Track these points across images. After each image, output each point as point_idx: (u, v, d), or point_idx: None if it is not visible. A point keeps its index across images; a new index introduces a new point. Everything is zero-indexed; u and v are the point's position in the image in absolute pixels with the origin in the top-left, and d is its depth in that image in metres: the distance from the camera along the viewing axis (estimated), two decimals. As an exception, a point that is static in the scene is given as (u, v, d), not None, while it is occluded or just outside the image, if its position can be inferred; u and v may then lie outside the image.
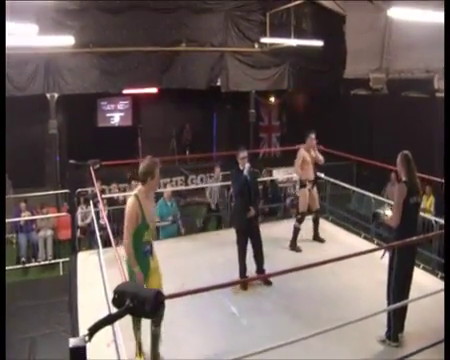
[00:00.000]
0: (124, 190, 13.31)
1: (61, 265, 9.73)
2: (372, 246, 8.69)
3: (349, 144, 13.83)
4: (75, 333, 5.95)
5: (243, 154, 7.06)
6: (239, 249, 7.04)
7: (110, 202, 11.28)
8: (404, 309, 5.45)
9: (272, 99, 19.11)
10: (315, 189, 8.84)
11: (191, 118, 18.23)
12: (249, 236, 7.06)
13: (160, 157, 14.32)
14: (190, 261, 7.71)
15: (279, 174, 14.49)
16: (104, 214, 6.98)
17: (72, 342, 2.31)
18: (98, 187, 11.45)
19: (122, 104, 17.65)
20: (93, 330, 2.44)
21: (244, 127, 16.26)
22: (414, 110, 12.39)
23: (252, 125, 16.31)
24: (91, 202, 7.73)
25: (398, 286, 5.39)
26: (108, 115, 17.54)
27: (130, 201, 4.85)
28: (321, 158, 8.77)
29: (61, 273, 9.52)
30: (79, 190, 10.58)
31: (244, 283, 6.90)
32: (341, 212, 10.64)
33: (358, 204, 11.51)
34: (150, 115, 17.75)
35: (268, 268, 7.01)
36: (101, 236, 10.25)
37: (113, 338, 5.01)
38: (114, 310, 2.78)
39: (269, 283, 6.94)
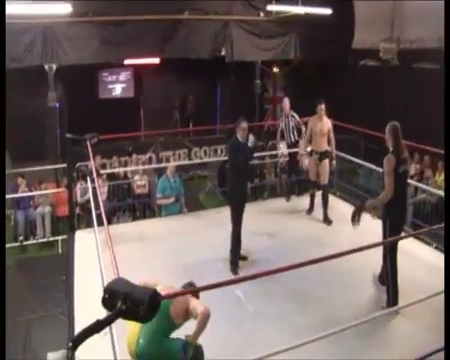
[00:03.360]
0: (125, 163, 12.98)
1: (60, 242, 9.46)
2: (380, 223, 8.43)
3: (357, 117, 13.44)
4: (71, 317, 5.75)
5: (244, 125, 6.75)
6: (235, 225, 6.76)
7: (111, 177, 10.99)
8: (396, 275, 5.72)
9: (278, 70, 18.60)
10: (326, 162, 8.48)
11: (194, 89, 17.77)
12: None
13: (162, 129, 14.48)
14: (192, 240, 7.49)
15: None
16: (99, 192, 6.58)
17: (51, 358, 1.98)
18: (96, 162, 11.20)
19: (123, 75, 17.20)
20: (77, 342, 2.11)
21: (249, 98, 15.83)
22: (426, 82, 11.91)
23: (257, 96, 15.89)
24: (88, 178, 7.35)
25: (392, 252, 5.68)
26: (109, 86, 17.10)
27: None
28: (332, 138, 8.50)
29: (60, 251, 9.25)
30: (78, 165, 10.33)
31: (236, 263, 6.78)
32: (349, 187, 10.29)
33: (366, 179, 11.13)
34: (152, 86, 17.33)
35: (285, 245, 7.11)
36: (99, 214, 10.13)
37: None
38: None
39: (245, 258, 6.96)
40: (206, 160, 14.19)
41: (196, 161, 14.09)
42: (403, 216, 5.86)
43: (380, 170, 9.81)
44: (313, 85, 17.40)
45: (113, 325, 4.88)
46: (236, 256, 6.76)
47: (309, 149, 8.76)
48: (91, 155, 7.03)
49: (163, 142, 15.10)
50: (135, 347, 3.78)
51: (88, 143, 7.25)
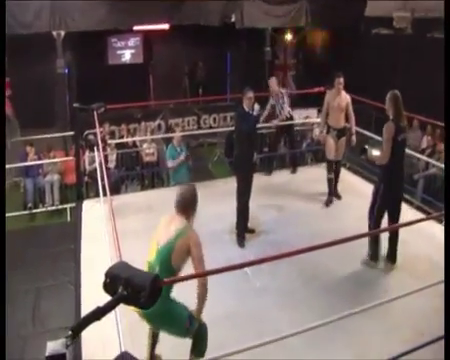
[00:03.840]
0: (134, 131, 12.93)
1: (68, 210, 9.46)
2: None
3: (368, 86, 13.24)
4: (77, 289, 5.79)
5: (250, 94, 6.62)
6: (241, 196, 6.67)
7: (119, 145, 10.98)
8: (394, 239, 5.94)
9: (288, 36, 18.30)
10: (343, 140, 8.03)
11: (204, 55, 17.53)
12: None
13: (172, 96, 14.36)
14: (199, 210, 7.33)
15: (295, 116, 13.93)
16: (104, 162, 6.52)
17: (50, 348, 1.96)
18: (105, 130, 11.17)
19: (133, 41, 17.01)
20: (77, 330, 2.09)
21: (259, 65, 15.65)
22: (440, 52, 11.63)
23: (267, 64, 15.69)
24: (95, 148, 7.32)
25: (379, 215, 5.88)
26: (118, 52, 16.92)
27: (197, 235, 3.96)
28: (351, 113, 8.02)
29: (68, 219, 9.26)
30: (87, 132, 10.30)
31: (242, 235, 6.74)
32: (358, 159, 10.15)
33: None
34: (162, 52, 17.12)
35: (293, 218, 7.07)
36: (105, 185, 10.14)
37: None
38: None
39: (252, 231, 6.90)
40: (214, 130, 14.04)
41: (203, 131, 13.97)
42: (399, 183, 5.94)
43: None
44: (324, 52, 17.20)
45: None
46: (242, 229, 6.70)
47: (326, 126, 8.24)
48: (98, 125, 6.95)
49: (172, 109, 15.04)
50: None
51: (95, 113, 7.15)
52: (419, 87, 12.30)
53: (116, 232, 4.06)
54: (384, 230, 6.23)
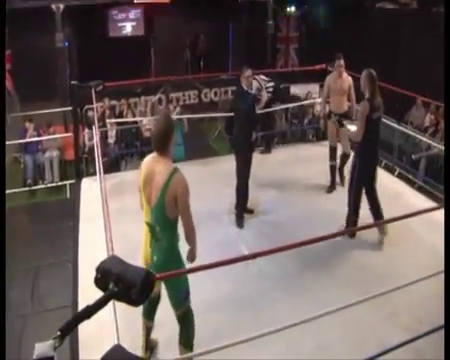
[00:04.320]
0: (134, 105, 12.80)
1: (68, 187, 9.43)
2: (391, 178, 8.30)
3: (372, 62, 13.05)
4: (75, 267, 5.80)
5: (248, 73, 6.49)
6: (240, 177, 6.57)
7: (118, 118, 10.91)
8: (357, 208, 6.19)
9: (291, 9, 18.05)
10: (345, 127, 7.37)
11: (206, 28, 17.33)
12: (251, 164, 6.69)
13: (173, 69, 14.19)
14: (197, 189, 7.23)
15: (297, 90, 13.78)
16: (98, 141, 6.46)
17: (38, 350, 1.93)
18: (105, 105, 11.07)
19: (133, 13, 16.87)
20: (66, 331, 2.05)
21: (261, 39, 15.46)
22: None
23: (270, 37, 15.49)
24: (94, 127, 7.24)
25: (357, 187, 6.10)
26: (119, 25, 16.80)
27: (183, 175, 3.77)
28: (352, 95, 7.57)
29: (68, 196, 9.24)
30: (86, 107, 10.22)
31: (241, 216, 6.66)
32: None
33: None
34: (163, 24, 16.93)
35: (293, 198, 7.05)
36: (105, 162, 10.07)
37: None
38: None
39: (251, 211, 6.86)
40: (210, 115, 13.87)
41: (200, 116, 13.81)
42: (374, 159, 6.18)
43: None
44: (327, 26, 16.95)
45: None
46: (241, 210, 6.64)
47: (327, 110, 7.95)
48: (95, 104, 6.88)
49: (173, 83, 14.89)
50: (150, 262, 3.83)
51: (93, 91, 7.07)
52: (424, 63, 12.14)
53: (108, 215, 4.00)
54: (386, 222, 6.15)
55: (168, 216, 3.70)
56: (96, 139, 6.48)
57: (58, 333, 2.04)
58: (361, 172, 6.08)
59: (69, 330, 2.08)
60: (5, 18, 5.96)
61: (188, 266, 3.87)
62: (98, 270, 2.46)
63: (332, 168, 7.76)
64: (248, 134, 6.53)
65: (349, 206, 6.27)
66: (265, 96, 8.76)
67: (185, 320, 3.94)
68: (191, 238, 3.87)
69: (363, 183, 6.13)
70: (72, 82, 7.53)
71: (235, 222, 6.61)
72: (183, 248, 3.94)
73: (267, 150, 9.14)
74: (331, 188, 7.73)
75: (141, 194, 3.89)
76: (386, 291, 3.79)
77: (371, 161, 6.12)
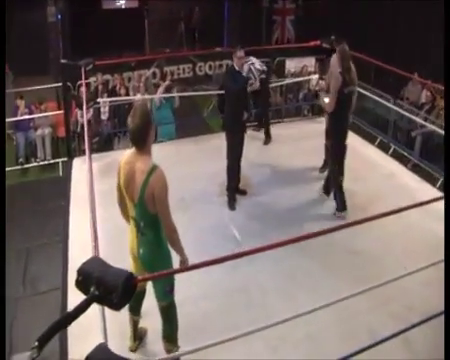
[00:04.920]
0: (128, 80, 12.65)
1: (60, 165, 9.35)
2: (385, 157, 8.23)
3: (369, 34, 12.91)
4: (65, 250, 5.70)
5: (240, 54, 6.36)
6: (230, 158, 6.50)
7: (112, 95, 10.77)
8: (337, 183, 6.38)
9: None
10: (321, 99, 7.26)
11: (200, 0, 17.11)
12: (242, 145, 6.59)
13: (167, 41, 13.97)
14: (190, 169, 7.19)
15: (293, 64, 13.61)
16: (86, 121, 6.35)
17: (15, 362, 1.89)
18: (98, 81, 10.91)
19: (128, -16, 16.61)
20: (44, 341, 2.00)
21: (257, 11, 15.23)
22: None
23: (265, 10, 15.26)
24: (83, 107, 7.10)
25: (336, 167, 6.33)
26: (113, -4, 16.56)
27: (162, 172, 3.55)
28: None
29: (61, 174, 9.16)
30: (79, 83, 10.05)
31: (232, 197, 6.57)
32: (356, 113, 9.91)
33: (374, 103, 10.73)
34: (157, -5, 16.71)
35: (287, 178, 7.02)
36: (97, 141, 9.98)
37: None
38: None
39: (244, 192, 6.78)
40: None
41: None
42: (346, 130, 6.39)
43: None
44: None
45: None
46: (232, 192, 6.56)
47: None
48: (84, 83, 6.76)
49: (167, 56, 14.75)
50: (137, 256, 3.76)
51: (83, 70, 6.94)
52: (420, 37, 11.99)
53: (93, 200, 3.92)
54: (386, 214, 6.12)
55: (150, 212, 3.58)
56: (85, 119, 6.37)
57: (36, 343, 2.00)
58: (336, 142, 6.37)
59: (47, 340, 2.03)
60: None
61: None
62: (79, 272, 2.41)
63: (327, 148, 7.60)
64: (239, 115, 6.43)
65: (335, 183, 6.45)
66: (257, 85, 8.24)
67: (168, 313, 3.89)
68: (173, 242, 3.71)
69: (339, 155, 6.36)
70: (62, 61, 7.33)
71: (227, 204, 6.54)
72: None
73: (259, 128, 8.88)
74: (324, 168, 7.57)
75: (121, 192, 3.74)
76: (378, 284, 3.73)
77: (344, 133, 6.36)
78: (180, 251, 3.78)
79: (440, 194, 6.91)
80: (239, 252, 3.25)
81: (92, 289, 2.33)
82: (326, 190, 6.75)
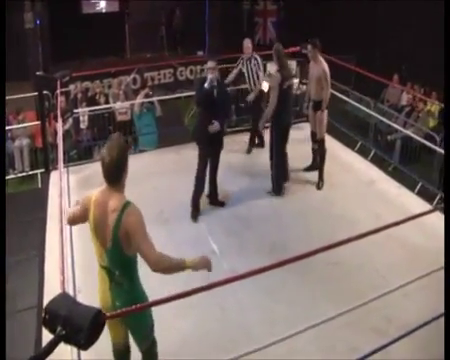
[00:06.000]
0: (109, 86, 12.54)
1: (39, 176, 9.20)
2: (366, 163, 8.23)
3: (348, 38, 12.90)
4: (42, 267, 5.74)
5: (210, 64, 6.32)
6: (197, 168, 6.45)
7: (91, 103, 10.64)
8: (284, 169, 7.05)
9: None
10: (320, 114, 7.33)
11: (182, 2, 16.99)
12: (210, 156, 6.49)
13: (148, 45, 13.84)
14: (169, 180, 7.20)
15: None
16: (61, 137, 6.25)
17: None
18: (77, 89, 10.81)
19: (108, -12, 16.44)
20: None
21: (238, 13, 15.17)
22: (423, 5, 11.28)
23: (246, 12, 15.21)
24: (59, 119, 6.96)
25: (278, 153, 6.88)
26: (93, 0, 16.36)
27: (135, 208, 3.27)
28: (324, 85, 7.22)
29: (39, 185, 9.01)
30: (58, 91, 9.93)
31: (195, 208, 6.52)
32: (336, 116, 9.89)
33: (355, 106, 10.73)
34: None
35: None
36: (77, 152, 9.87)
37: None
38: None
39: (222, 204, 6.76)
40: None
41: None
42: (288, 123, 6.99)
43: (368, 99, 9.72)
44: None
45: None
46: (195, 203, 6.48)
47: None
48: (58, 98, 6.68)
49: (149, 59, 14.68)
50: (113, 307, 3.38)
51: (58, 82, 6.86)
52: (402, 38, 12.01)
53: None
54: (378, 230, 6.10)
55: (126, 254, 3.29)
56: (60, 132, 6.27)
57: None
58: (277, 136, 6.86)
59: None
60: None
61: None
62: (46, 311, 2.36)
63: (313, 150, 7.77)
64: (202, 126, 6.34)
65: (275, 168, 6.95)
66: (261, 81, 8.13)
67: (150, 354, 3.71)
68: (171, 271, 3.28)
69: (285, 146, 6.93)
70: (37, 73, 7.24)
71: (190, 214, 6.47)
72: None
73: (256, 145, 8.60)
74: (311, 168, 7.75)
75: (92, 235, 3.38)
76: (358, 305, 3.71)
77: (285, 125, 6.89)
78: (186, 268, 3.31)
79: (419, 200, 7.02)
80: (224, 279, 3.11)
81: (59, 329, 2.28)
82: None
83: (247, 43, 8.43)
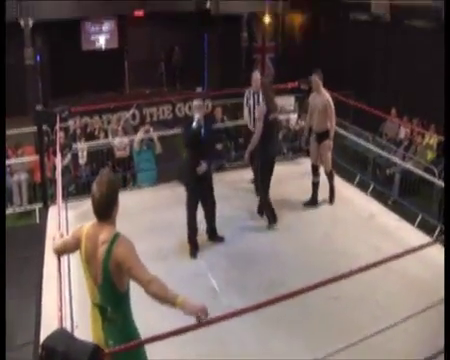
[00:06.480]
0: (108, 122, 12.59)
1: (37, 211, 9.18)
2: (365, 197, 8.21)
3: (346, 73, 13.08)
4: (38, 303, 5.64)
5: (196, 103, 6.21)
6: (187, 209, 6.32)
7: (90, 138, 10.69)
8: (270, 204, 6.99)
9: (267, 19, 18.02)
10: (325, 145, 7.37)
11: (180, 40, 17.27)
12: (199, 195, 6.35)
13: (147, 82, 13.96)
14: (167, 216, 7.06)
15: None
16: (59, 168, 6.23)
17: None
18: (76, 124, 10.87)
19: (107, 25, 16.75)
20: None
21: (236, 50, 15.39)
22: (418, 41, 11.49)
23: (244, 49, 15.41)
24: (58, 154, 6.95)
25: (263, 186, 6.89)
26: (93, 38, 16.65)
27: (125, 239, 3.20)
28: (329, 115, 7.29)
29: (37, 220, 8.98)
30: (57, 127, 9.95)
31: (193, 246, 6.40)
32: (336, 150, 9.89)
33: (353, 141, 10.76)
34: (137, 36, 16.88)
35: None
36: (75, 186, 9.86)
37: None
38: None
39: (221, 239, 6.64)
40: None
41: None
42: (273, 155, 6.97)
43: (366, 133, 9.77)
44: (303, 35, 16.99)
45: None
46: (191, 241, 6.39)
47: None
48: (57, 132, 6.70)
49: (148, 95, 14.80)
50: (106, 346, 3.22)
51: (58, 117, 6.89)
52: (396, 76, 12.18)
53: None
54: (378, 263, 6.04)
55: (119, 291, 3.20)
56: (58, 168, 6.25)
57: None
58: (262, 167, 6.86)
59: None
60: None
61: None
62: (43, 347, 2.32)
63: (314, 185, 7.67)
64: (191, 167, 6.20)
65: (264, 202, 7.02)
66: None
67: None
68: (165, 300, 3.10)
69: (270, 178, 6.87)
70: (36, 108, 7.29)
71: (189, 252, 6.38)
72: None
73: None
74: (311, 202, 7.64)
75: (84, 271, 3.31)
76: (361, 338, 3.64)
77: (270, 157, 6.88)
78: (177, 303, 3.07)
79: (419, 232, 6.99)
80: (223, 314, 3.04)
81: (56, 366, 2.23)
82: (260, 211, 7.20)
83: (256, 76, 7.67)
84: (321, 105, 7.27)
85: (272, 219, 6.96)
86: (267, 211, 7.00)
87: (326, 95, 7.31)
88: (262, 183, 6.94)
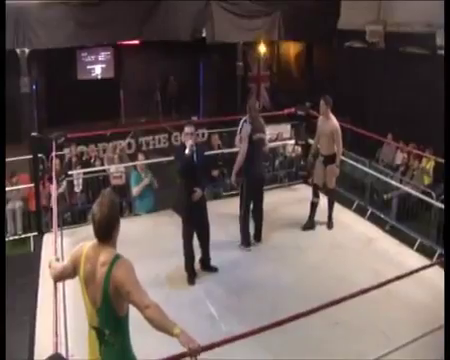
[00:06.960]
0: (104, 151, 12.53)
1: (32, 240, 9.05)
2: (363, 222, 8.15)
3: (341, 100, 13.11)
4: (32, 334, 5.53)
5: (187, 129, 6.14)
6: (183, 237, 6.25)
7: (86, 167, 10.63)
8: (259, 222, 7.21)
9: (261, 49, 18.17)
10: (333, 169, 7.53)
11: (176, 69, 17.32)
12: (195, 223, 6.28)
13: (143, 111, 13.97)
14: (164, 243, 7.02)
15: (268, 131, 13.64)
16: (55, 195, 6.17)
17: None
18: (71, 153, 10.82)
19: (103, 55, 16.81)
20: None
21: (232, 78, 15.41)
22: (412, 67, 11.58)
23: (240, 78, 15.44)
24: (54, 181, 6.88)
25: (243, 204, 7.00)
26: (88, 67, 16.68)
27: (125, 261, 3.16)
28: (336, 140, 7.40)
29: (32, 249, 8.86)
30: (53, 154, 9.89)
31: (191, 273, 6.32)
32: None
33: (351, 167, 10.75)
34: (133, 66, 16.90)
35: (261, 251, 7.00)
36: (70, 215, 9.77)
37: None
38: None
39: (215, 269, 6.53)
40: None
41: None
42: (257, 175, 7.05)
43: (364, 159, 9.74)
44: (298, 64, 17.11)
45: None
46: (188, 270, 6.31)
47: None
48: (54, 158, 6.63)
49: (144, 124, 14.79)
50: None
51: (54, 143, 6.83)
52: (391, 102, 12.24)
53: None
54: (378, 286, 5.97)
55: (118, 315, 3.16)
56: (54, 195, 6.18)
57: None
58: (248, 190, 6.93)
59: None
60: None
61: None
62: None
63: (313, 205, 7.74)
64: (185, 195, 6.16)
65: (240, 220, 7.05)
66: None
67: None
68: (164, 328, 2.99)
69: (250, 199, 7.00)
70: (32, 134, 7.23)
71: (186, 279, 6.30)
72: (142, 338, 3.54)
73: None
74: (308, 225, 7.69)
75: (83, 294, 3.25)
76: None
77: (255, 179, 6.98)
78: (174, 332, 2.95)
79: (418, 256, 6.93)
80: (223, 339, 2.94)
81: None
82: (256, 237, 7.25)
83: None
84: (329, 130, 7.41)
85: (244, 240, 7.05)
86: (241, 231, 7.05)
87: (334, 120, 7.43)
88: (241, 200, 7.01)
